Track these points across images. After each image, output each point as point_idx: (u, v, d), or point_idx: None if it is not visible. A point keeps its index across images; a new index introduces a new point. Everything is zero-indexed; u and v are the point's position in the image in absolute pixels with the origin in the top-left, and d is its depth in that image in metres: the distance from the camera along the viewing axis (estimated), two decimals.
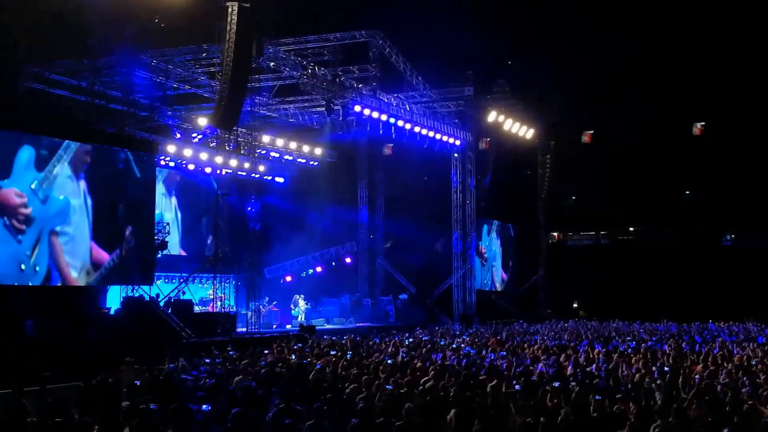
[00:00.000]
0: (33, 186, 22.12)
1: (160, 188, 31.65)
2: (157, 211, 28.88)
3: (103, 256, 24.58)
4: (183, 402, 11.08)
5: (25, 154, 22.09)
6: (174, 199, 33.77)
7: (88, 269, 24.13)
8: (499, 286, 45.42)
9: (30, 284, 21.97)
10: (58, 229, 23.01)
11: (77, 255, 23.69)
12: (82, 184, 23.91)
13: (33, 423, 11.34)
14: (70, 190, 23.49)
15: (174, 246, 32.98)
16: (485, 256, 42.73)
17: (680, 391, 12.03)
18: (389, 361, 15.35)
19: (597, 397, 10.93)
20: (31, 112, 25.00)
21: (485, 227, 43.26)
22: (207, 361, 16.15)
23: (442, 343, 21.12)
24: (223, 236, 32.36)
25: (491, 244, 44.55)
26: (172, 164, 31.94)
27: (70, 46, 25.42)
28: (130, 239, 25.26)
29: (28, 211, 21.96)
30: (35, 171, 22.26)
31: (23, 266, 21.73)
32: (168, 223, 29.76)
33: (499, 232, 45.78)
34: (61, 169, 23.12)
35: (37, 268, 22.16)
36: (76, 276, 23.54)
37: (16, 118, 22.74)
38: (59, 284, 22.99)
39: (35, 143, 22.39)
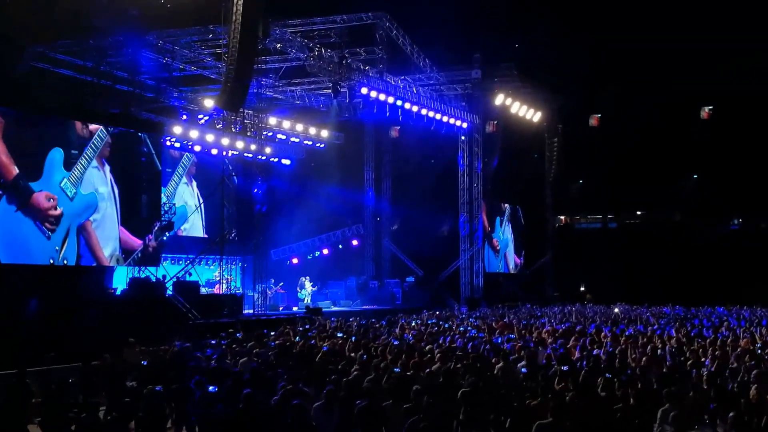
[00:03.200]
0: (62, 185, 22.64)
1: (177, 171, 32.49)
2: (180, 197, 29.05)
3: (135, 242, 25.09)
4: (187, 383, 11.11)
5: (57, 155, 22.66)
6: (194, 183, 33.84)
7: (117, 257, 24.56)
8: (513, 271, 45.41)
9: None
10: (90, 218, 23.59)
11: (108, 240, 24.20)
12: (108, 172, 24.34)
13: (37, 403, 11.39)
14: (97, 179, 24.00)
15: (196, 229, 33.17)
16: (497, 248, 42.66)
17: (687, 376, 11.97)
18: (396, 343, 15.34)
19: (607, 374, 10.90)
20: (36, 91, 24.91)
21: (497, 219, 43.17)
22: (213, 342, 16.16)
23: (448, 326, 21.09)
24: (230, 218, 32.38)
25: (504, 231, 44.46)
26: (177, 145, 31.88)
27: (76, 25, 25.26)
28: (159, 232, 26.14)
29: (57, 212, 22.50)
30: (63, 170, 22.77)
31: (52, 261, 22.25)
32: (174, 204, 29.73)
33: (510, 219, 45.65)
34: (89, 162, 23.63)
35: (66, 262, 22.66)
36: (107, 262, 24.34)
37: (21, 98, 22.68)
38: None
39: (64, 144, 22.90)
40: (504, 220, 44.59)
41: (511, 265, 45.18)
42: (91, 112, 24.77)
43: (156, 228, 25.99)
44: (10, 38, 23.94)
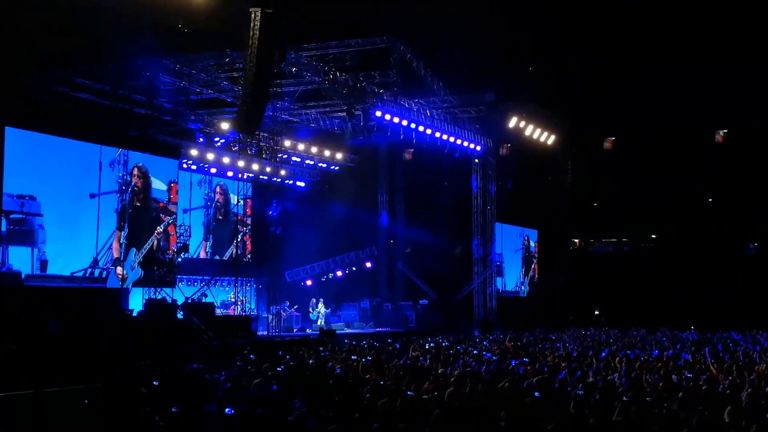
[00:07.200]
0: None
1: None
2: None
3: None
4: (203, 404, 11.15)
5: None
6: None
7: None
8: (525, 289, 45.36)
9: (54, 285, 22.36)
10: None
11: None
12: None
13: (54, 425, 11.45)
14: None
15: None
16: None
17: (703, 400, 11.91)
18: (410, 366, 15.33)
19: (624, 398, 10.88)
20: (57, 115, 25.28)
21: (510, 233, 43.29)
22: (228, 365, 16.20)
23: (462, 349, 21.06)
24: (244, 240, 32.57)
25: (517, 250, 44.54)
26: (194, 167, 32.13)
27: (94, 49, 25.66)
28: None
29: None
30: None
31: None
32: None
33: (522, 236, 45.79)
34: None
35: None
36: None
37: (43, 121, 23.03)
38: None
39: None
40: (518, 236, 44.72)
41: (526, 282, 45.16)
42: (109, 135, 25.09)
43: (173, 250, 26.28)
44: (30, 62, 24.33)
